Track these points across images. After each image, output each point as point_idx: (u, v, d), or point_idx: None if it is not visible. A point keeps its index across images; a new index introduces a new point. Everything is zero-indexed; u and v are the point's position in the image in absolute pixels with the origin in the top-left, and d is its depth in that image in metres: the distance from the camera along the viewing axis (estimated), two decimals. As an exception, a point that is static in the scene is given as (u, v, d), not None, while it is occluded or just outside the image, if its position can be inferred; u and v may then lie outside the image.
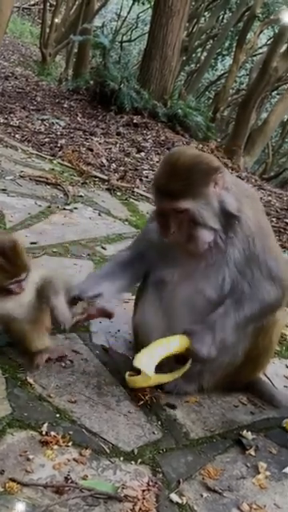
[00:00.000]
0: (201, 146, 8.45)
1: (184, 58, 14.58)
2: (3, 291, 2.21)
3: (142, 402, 2.28)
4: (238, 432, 2.26)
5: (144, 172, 6.46)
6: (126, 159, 6.75)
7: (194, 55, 17.56)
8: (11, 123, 7.06)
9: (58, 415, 2.11)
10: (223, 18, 16.63)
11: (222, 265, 2.22)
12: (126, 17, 19.55)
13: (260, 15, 13.21)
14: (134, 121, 8.46)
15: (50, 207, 4.33)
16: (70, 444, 1.97)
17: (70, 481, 1.81)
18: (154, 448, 2.08)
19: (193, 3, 13.78)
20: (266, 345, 2.38)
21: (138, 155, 7.16)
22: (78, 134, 7.31)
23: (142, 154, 7.29)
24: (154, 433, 2.16)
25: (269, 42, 14.24)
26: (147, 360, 2.15)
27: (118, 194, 5.24)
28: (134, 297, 2.64)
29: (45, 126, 7.39)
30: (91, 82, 9.40)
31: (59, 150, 6.32)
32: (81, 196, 4.82)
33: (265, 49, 13.97)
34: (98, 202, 4.79)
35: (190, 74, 17.38)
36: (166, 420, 2.25)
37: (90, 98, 9.18)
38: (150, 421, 2.22)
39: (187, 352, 2.19)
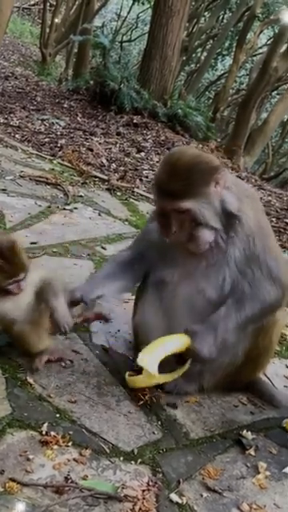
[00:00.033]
0: (201, 146, 8.45)
1: (184, 58, 14.59)
2: (2, 291, 2.21)
3: (141, 402, 2.28)
4: (238, 432, 2.26)
5: (144, 172, 6.46)
6: (126, 159, 6.75)
7: (194, 55, 17.57)
8: (11, 123, 7.06)
9: (57, 415, 2.11)
10: (223, 18, 16.63)
11: (222, 264, 2.22)
12: (126, 17, 19.56)
13: (260, 15, 13.21)
14: (134, 121, 8.46)
15: (50, 207, 4.33)
16: (69, 444, 1.97)
17: (70, 481, 1.81)
18: (154, 448, 2.09)
19: (193, 3, 13.78)
20: (266, 345, 2.38)
21: (137, 155, 7.16)
22: (78, 134, 7.31)
23: (142, 153, 7.29)
24: (154, 433, 2.16)
25: (269, 42, 14.24)
26: (150, 359, 2.14)
27: (118, 194, 5.24)
28: (133, 297, 2.64)
29: (45, 126, 7.39)
30: (91, 82, 9.40)
31: (59, 150, 6.33)
32: (81, 196, 4.82)
33: (265, 49, 13.97)
34: (98, 202, 4.79)
35: (189, 73, 17.38)
36: (166, 420, 2.25)
37: (90, 98, 9.18)
38: (150, 421, 2.22)
39: (188, 352, 2.19)
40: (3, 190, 4.45)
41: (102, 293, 2.40)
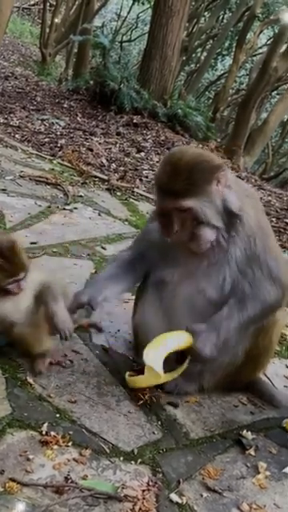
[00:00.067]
0: (201, 146, 8.44)
1: (184, 57, 14.58)
2: (1, 292, 2.20)
3: (141, 402, 2.28)
4: (238, 432, 2.26)
5: (144, 172, 6.46)
6: (125, 159, 6.75)
7: (194, 55, 17.57)
8: (11, 123, 7.06)
9: (58, 415, 2.11)
10: (223, 18, 16.63)
11: (223, 264, 2.22)
12: (126, 17, 19.55)
13: (260, 15, 13.21)
14: (134, 121, 8.46)
15: (49, 207, 4.33)
16: (70, 444, 1.97)
17: (70, 481, 1.81)
18: (154, 448, 2.09)
19: (193, 3, 13.78)
20: (266, 345, 2.38)
21: (137, 155, 7.16)
22: (78, 134, 7.31)
23: (142, 153, 7.29)
24: (154, 433, 2.16)
25: (269, 42, 14.24)
26: (155, 357, 2.13)
27: (118, 194, 5.24)
28: (133, 297, 2.64)
29: (45, 126, 7.39)
30: (91, 82, 9.41)
31: (59, 150, 6.33)
32: (81, 196, 4.82)
33: (265, 49, 13.97)
34: (98, 202, 4.79)
35: (190, 73, 17.38)
36: (166, 420, 2.26)
37: (89, 98, 9.18)
38: (150, 421, 2.22)
39: (189, 350, 2.19)
40: (3, 189, 4.45)
41: (107, 295, 2.40)
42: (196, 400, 2.42)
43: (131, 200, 5.16)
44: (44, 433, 1.98)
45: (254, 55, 16.30)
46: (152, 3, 11.50)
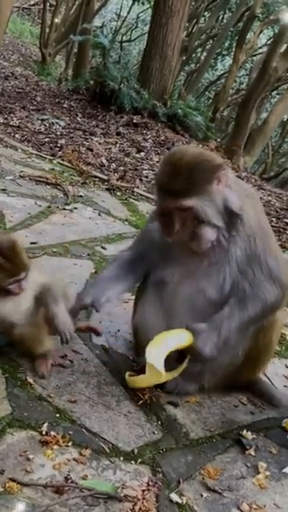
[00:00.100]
0: (201, 146, 8.44)
1: (184, 57, 14.59)
2: (2, 292, 2.20)
3: (141, 402, 2.28)
4: (238, 432, 2.26)
5: (144, 172, 6.46)
6: (125, 159, 6.75)
7: (193, 55, 17.57)
8: (11, 123, 7.06)
9: (57, 415, 2.11)
10: (223, 18, 16.63)
11: (223, 264, 2.22)
12: (126, 17, 19.56)
13: (260, 15, 13.22)
14: (134, 121, 8.46)
15: (49, 207, 4.33)
16: (69, 444, 1.97)
17: (70, 481, 1.81)
18: (154, 448, 2.08)
19: (193, 3, 13.78)
20: (266, 344, 2.38)
21: (137, 155, 7.16)
22: (78, 134, 7.31)
23: (142, 153, 7.29)
24: (154, 433, 2.16)
25: (269, 42, 14.24)
26: (157, 356, 2.13)
27: (118, 193, 5.24)
28: (133, 297, 2.64)
29: (45, 126, 7.39)
30: (91, 82, 9.41)
31: (59, 150, 6.33)
32: (81, 196, 4.82)
33: (265, 49, 13.97)
34: (98, 202, 4.79)
35: (189, 73, 17.39)
36: (166, 420, 2.26)
37: (89, 98, 9.19)
38: (150, 421, 2.22)
39: (189, 349, 2.19)
40: (3, 189, 4.45)
41: (109, 296, 2.40)
42: (196, 400, 2.42)
43: (131, 200, 5.16)
44: (44, 433, 1.98)
45: (254, 55, 16.31)
46: (152, 3, 11.50)
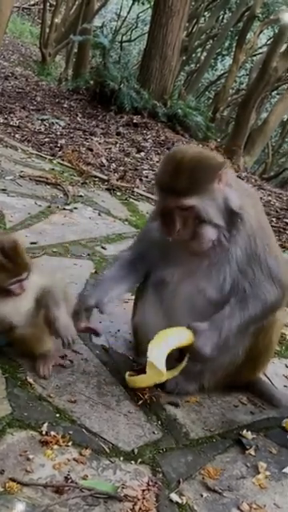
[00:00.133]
0: (201, 145, 8.44)
1: (184, 57, 14.58)
2: (3, 292, 2.19)
3: (141, 402, 2.28)
4: (238, 432, 2.26)
5: (144, 172, 6.46)
6: (125, 159, 6.75)
7: (193, 55, 17.56)
8: (11, 123, 7.06)
9: (57, 415, 2.11)
10: (223, 18, 16.62)
11: (224, 263, 2.22)
12: (126, 17, 19.55)
13: (260, 15, 13.20)
14: (134, 121, 8.46)
15: (49, 207, 4.33)
16: (69, 444, 1.97)
17: (70, 481, 1.81)
18: (154, 448, 2.09)
19: (193, 3, 13.78)
20: (266, 344, 2.38)
21: (137, 155, 7.16)
22: (78, 134, 7.31)
23: (142, 153, 7.29)
24: (154, 433, 2.16)
25: (269, 42, 14.24)
26: (158, 354, 2.12)
27: (118, 193, 5.24)
28: (133, 297, 2.64)
29: (45, 126, 7.39)
30: (91, 82, 9.41)
31: (59, 150, 6.33)
32: (81, 196, 4.82)
33: (265, 49, 13.97)
34: (98, 202, 4.79)
35: (189, 73, 17.38)
36: (166, 420, 2.26)
37: (89, 98, 9.19)
38: (150, 420, 2.22)
39: (189, 348, 2.19)
40: (3, 189, 4.45)
41: (113, 296, 2.40)
42: (196, 400, 2.42)
43: (131, 200, 5.16)
44: (44, 433, 1.98)
45: (254, 55, 16.29)
46: (152, 3, 11.50)
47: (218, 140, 11.20)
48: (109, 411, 2.20)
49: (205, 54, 16.97)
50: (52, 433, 1.98)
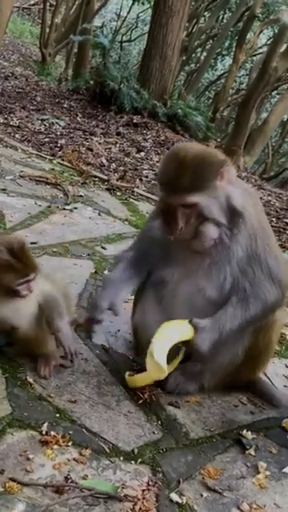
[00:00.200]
0: (201, 145, 8.44)
1: (184, 57, 14.57)
2: (9, 293, 2.17)
3: (141, 402, 2.28)
4: (238, 432, 2.27)
5: (144, 172, 6.46)
6: (125, 159, 6.75)
7: (193, 55, 17.55)
8: (11, 123, 7.06)
9: (57, 415, 2.11)
10: (223, 18, 16.62)
11: (224, 263, 2.22)
12: (126, 17, 19.53)
13: (260, 15, 13.19)
14: (134, 121, 8.46)
15: (49, 207, 4.33)
16: (69, 444, 1.97)
17: (70, 480, 1.81)
18: (154, 448, 2.09)
19: (193, 3, 13.78)
20: (266, 344, 2.38)
21: (137, 155, 7.16)
22: (78, 134, 7.31)
23: (142, 153, 7.29)
24: (154, 432, 2.16)
25: (269, 42, 14.23)
26: (160, 351, 2.11)
27: (118, 193, 5.24)
28: (133, 296, 2.64)
29: (45, 126, 7.39)
30: (91, 82, 9.41)
31: (59, 150, 6.32)
32: (81, 196, 4.82)
33: (265, 49, 13.96)
34: (98, 202, 4.79)
35: (189, 74, 17.37)
36: (166, 420, 2.26)
37: (89, 98, 9.18)
38: (150, 420, 2.22)
39: (187, 344, 2.18)
40: (3, 189, 4.45)
41: (123, 297, 2.40)
42: (196, 400, 2.42)
43: (131, 200, 5.15)
44: (44, 433, 1.98)
45: (254, 55, 16.28)
46: (152, 3, 11.49)
47: (218, 140, 11.20)
48: (109, 411, 2.21)
49: (205, 53, 16.96)
50: (52, 433, 1.98)
